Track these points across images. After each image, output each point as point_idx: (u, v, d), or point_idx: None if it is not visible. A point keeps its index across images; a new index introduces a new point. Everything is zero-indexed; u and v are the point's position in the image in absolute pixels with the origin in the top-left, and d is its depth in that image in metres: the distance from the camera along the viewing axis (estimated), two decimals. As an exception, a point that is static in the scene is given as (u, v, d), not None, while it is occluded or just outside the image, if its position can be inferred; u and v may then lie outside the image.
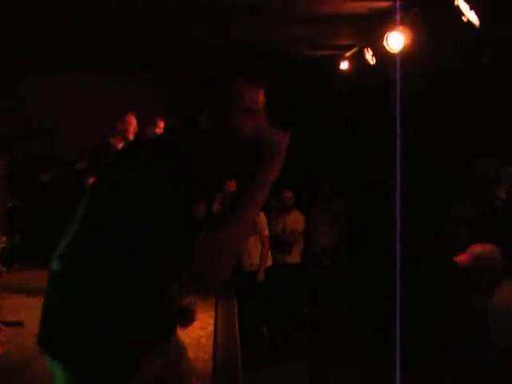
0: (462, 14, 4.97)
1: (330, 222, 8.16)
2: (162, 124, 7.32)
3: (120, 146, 6.40)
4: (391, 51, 6.31)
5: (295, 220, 7.90)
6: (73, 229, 2.11)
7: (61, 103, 9.12)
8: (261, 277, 7.28)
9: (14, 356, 4.67)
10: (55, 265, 2.12)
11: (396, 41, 6.17)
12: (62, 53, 8.24)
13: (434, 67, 6.41)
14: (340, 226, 8.20)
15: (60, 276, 2.11)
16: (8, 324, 5.20)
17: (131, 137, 6.50)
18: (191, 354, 4.70)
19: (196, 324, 5.45)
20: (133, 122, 6.64)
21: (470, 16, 4.93)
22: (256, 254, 7.35)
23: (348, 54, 8.44)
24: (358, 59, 7.93)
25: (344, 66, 8.56)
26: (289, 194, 7.94)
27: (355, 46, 8.10)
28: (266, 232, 7.41)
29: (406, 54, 5.85)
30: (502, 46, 5.39)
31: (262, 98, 2.19)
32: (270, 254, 7.45)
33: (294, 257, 7.85)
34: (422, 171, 6.98)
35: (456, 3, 5.01)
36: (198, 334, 5.23)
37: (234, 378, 4.76)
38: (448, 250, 7.18)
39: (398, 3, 5.70)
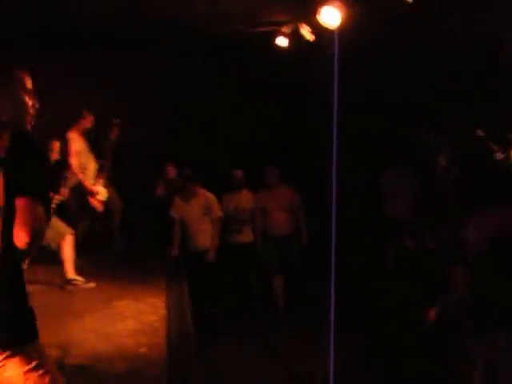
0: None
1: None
2: None
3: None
4: (327, 27, 6.36)
5: (246, 199, 7.83)
6: None
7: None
8: (211, 257, 7.30)
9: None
10: None
11: (331, 16, 6.21)
12: None
13: (370, 42, 6.52)
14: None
15: None
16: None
17: None
18: (145, 339, 4.77)
19: (148, 309, 5.52)
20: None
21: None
22: (207, 234, 7.36)
23: (284, 29, 8.43)
24: (295, 35, 7.95)
25: (280, 41, 8.55)
26: (239, 173, 7.94)
27: (291, 22, 8.11)
28: (219, 213, 7.43)
29: (343, 30, 5.90)
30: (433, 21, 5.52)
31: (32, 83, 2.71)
32: (219, 234, 7.50)
33: (246, 236, 7.86)
34: (359, 145, 7.16)
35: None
36: (151, 318, 5.26)
37: (188, 359, 4.82)
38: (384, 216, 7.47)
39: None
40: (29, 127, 2.67)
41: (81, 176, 6.99)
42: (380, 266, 7.66)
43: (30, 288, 2.56)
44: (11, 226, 2.31)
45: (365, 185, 7.83)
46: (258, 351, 6.33)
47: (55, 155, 7.41)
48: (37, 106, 2.72)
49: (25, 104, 2.66)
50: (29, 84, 2.71)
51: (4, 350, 2.33)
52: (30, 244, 2.31)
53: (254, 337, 6.71)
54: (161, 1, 6.98)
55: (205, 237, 7.36)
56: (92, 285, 6.21)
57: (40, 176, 2.42)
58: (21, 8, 6.63)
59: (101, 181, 7.24)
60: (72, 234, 6.12)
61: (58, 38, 8.24)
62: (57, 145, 7.42)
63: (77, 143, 7.04)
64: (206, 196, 7.41)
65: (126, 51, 9.19)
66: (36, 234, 2.32)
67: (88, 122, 7.21)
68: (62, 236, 5.98)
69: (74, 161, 6.95)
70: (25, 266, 2.70)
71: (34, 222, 2.31)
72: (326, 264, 4.44)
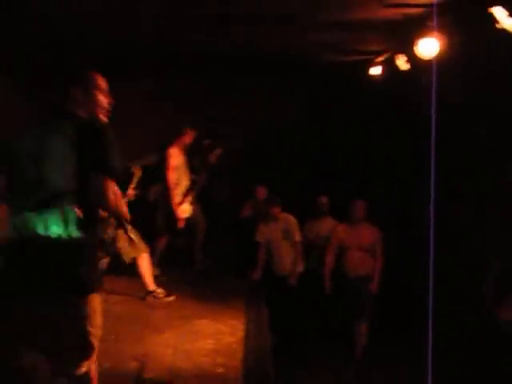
0: (497, 22, 4.90)
1: None
2: None
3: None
4: (423, 57, 6.28)
5: (328, 227, 7.67)
6: None
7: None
8: (292, 282, 7.26)
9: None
10: None
11: (428, 47, 6.12)
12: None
13: (468, 73, 6.37)
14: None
15: None
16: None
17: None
18: (223, 360, 4.76)
19: (227, 330, 5.52)
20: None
21: (506, 23, 4.85)
22: (288, 259, 7.35)
23: (379, 59, 8.38)
24: (389, 65, 7.89)
25: (374, 71, 8.52)
26: (324, 200, 7.92)
27: (386, 52, 8.05)
28: (299, 237, 7.38)
29: (440, 61, 5.80)
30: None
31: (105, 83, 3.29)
32: (302, 259, 7.45)
33: None
34: (457, 176, 6.94)
35: (490, 10, 4.93)
36: (229, 340, 5.25)
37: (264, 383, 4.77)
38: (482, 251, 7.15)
39: (433, 9, 5.63)
40: (103, 120, 3.21)
41: (173, 192, 7.13)
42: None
43: (111, 298, 2.69)
44: (86, 200, 3.02)
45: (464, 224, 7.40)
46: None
47: None
48: (111, 102, 3.25)
49: (98, 101, 3.21)
50: (102, 83, 3.24)
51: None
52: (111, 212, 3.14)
53: (329, 369, 6.61)
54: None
55: (286, 261, 7.35)
56: (172, 298, 6.34)
57: (107, 154, 3.05)
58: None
59: (189, 198, 7.35)
60: (146, 252, 6.18)
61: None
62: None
63: (176, 159, 7.24)
64: (286, 219, 7.39)
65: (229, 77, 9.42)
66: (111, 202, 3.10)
67: (189, 137, 7.42)
68: (136, 253, 6.01)
69: (171, 175, 7.15)
70: (104, 265, 3.23)
71: (110, 194, 3.06)
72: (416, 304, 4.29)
